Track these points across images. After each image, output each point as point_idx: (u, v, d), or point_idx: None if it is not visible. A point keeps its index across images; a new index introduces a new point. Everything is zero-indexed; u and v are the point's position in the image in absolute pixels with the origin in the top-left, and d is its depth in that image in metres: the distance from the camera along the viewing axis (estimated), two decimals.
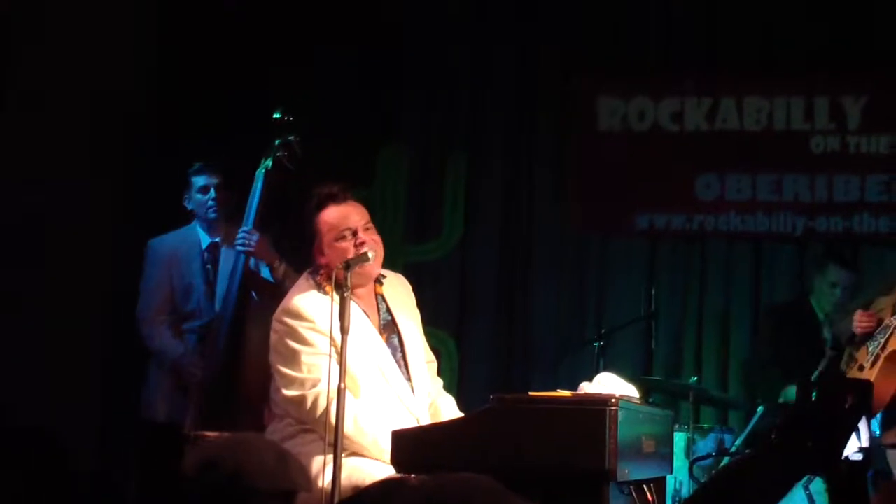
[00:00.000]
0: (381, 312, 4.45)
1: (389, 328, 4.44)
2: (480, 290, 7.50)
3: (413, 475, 3.62)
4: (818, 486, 5.62)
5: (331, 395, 4.03)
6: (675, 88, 7.40)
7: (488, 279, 7.49)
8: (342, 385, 3.98)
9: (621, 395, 3.94)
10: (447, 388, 4.76)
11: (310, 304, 4.28)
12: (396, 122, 7.67)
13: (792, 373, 6.45)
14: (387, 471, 4.02)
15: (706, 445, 6.31)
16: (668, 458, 4.49)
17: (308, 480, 3.06)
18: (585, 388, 4.17)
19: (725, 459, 6.15)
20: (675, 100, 7.38)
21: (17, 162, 6.12)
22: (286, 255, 5.54)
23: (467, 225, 7.55)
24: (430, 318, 4.96)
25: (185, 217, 5.91)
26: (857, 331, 5.42)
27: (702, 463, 6.17)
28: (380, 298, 4.47)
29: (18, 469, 3.17)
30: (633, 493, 4.10)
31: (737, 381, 7.17)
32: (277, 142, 5.56)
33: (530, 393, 4.09)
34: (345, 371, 4.02)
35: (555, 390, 4.06)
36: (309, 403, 4.18)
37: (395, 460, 3.96)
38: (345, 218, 4.35)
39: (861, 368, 5.33)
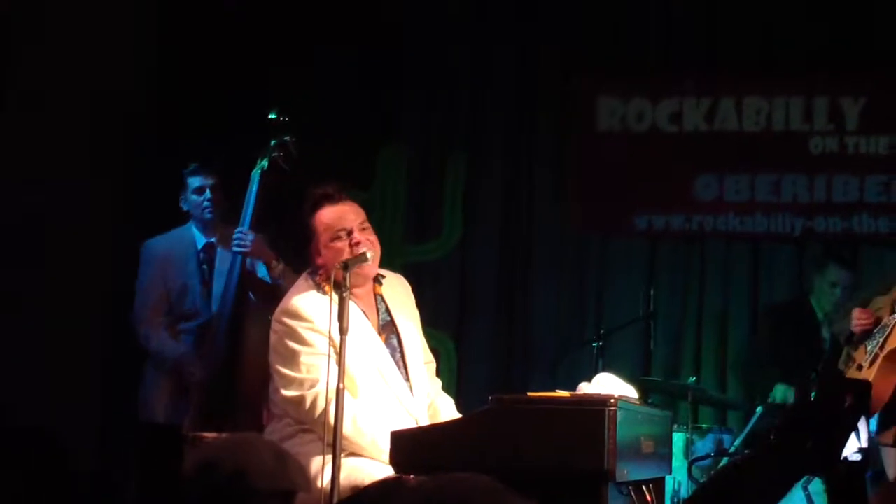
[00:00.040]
0: (380, 313, 4.45)
1: (388, 328, 4.44)
2: (480, 290, 7.50)
3: (412, 476, 3.64)
4: (817, 486, 5.62)
5: (330, 395, 4.04)
6: (674, 89, 7.40)
7: (488, 279, 7.49)
8: (341, 385, 3.98)
9: (620, 396, 3.94)
10: (446, 388, 4.76)
11: (309, 305, 4.28)
12: (396, 122, 7.68)
13: (791, 372, 6.46)
14: (386, 471, 4.03)
15: (705, 446, 6.31)
16: (666, 459, 4.50)
17: (307, 481, 3.06)
18: (584, 388, 4.17)
19: (724, 460, 6.16)
20: (673, 100, 7.39)
21: (17, 162, 6.12)
22: (284, 255, 5.54)
23: (467, 225, 7.55)
24: (430, 318, 4.96)
25: (185, 217, 5.92)
26: (856, 329, 5.42)
27: (700, 463, 6.17)
28: (379, 299, 4.47)
29: (18, 469, 3.17)
30: (632, 494, 4.10)
31: (735, 382, 7.17)
32: (273, 142, 5.57)
33: (529, 393, 4.09)
34: (343, 371, 4.03)
35: (554, 391, 4.06)
36: (308, 404, 4.18)
37: (394, 461, 3.96)
38: (340, 218, 4.35)
39: (859, 368, 5.33)
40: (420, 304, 4.67)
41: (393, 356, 4.39)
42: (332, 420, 3.96)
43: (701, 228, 7.33)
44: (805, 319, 6.69)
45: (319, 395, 4.15)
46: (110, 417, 6.57)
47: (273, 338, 4.34)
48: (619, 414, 3.78)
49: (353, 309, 4.15)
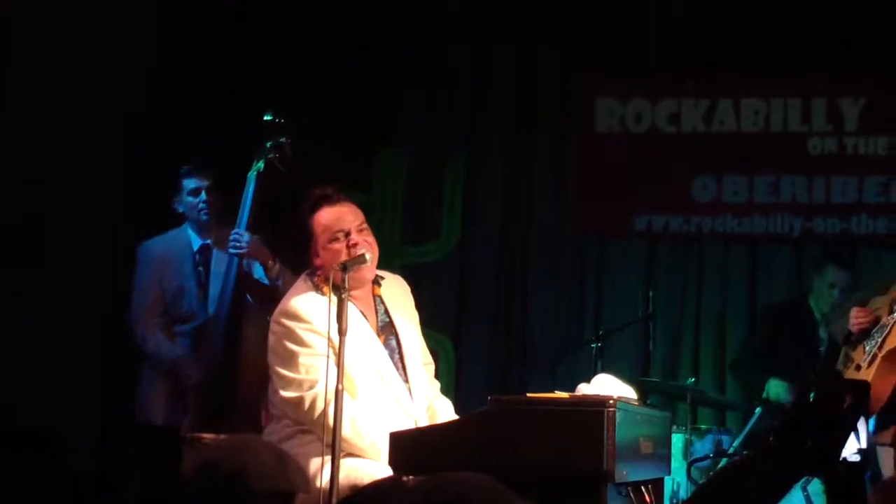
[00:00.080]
0: (379, 314, 4.46)
1: (387, 330, 4.44)
2: (479, 291, 7.50)
3: (410, 477, 3.64)
4: (816, 487, 5.62)
5: (329, 396, 4.04)
6: (674, 89, 7.40)
7: (487, 280, 7.49)
8: (340, 386, 3.99)
9: (619, 397, 3.94)
10: (445, 389, 4.77)
11: (307, 306, 4.28)
12: (396, 122, 7.67)
13: (786, 370, 6.46)
14: (385, 470, 4.03)
15: (704, 447, 6.32)
16: (665, 460, 4.50)
17: (307, 482, 3.07)
18: (583, 389, 4.18)
19: (723, 461, 6.16)
20: (672, 101, 7.39)
21: (17, 162, 6.12)
22: (281, 256, 5.55)
23: (466, 226, 7.55)
24: (429, 319, 4.96)
25: (182, 219, 5.92)
26: (854, 328, 5.42)
27: (700, 464, 6.17)
28: (378, 300, 4.47)
29: (18, 469, 3.17)
30: (631, 495, 4.10)
31: (734, 383, 7.17)
32: (269, 144, 5.58)
33: (528, 394, 4.10)
34: (342, 373, 4.03)
35: (552, 392, 4.06)
36: (307, 405, 4.19)
37: (393, 462, 3.96)
38: (339, 219, 4.35)
39: (858, 368, 5.33)
40: (419, 306, 4.67)
41: (392, 357, 4.39)
42: (331, 421, 3.96)
43: (699, 229, 7.33)
44: (804, 320, 6.68)
45: (318, 396, 4.15)
46: (110, 418, 6.57)
47: (272, 339, 4.34)
48: (617, 415, 3.78)
49: (351, 310, 4.16)
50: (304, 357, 4.23)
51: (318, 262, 4.36)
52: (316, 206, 4.37)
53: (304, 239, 4.38)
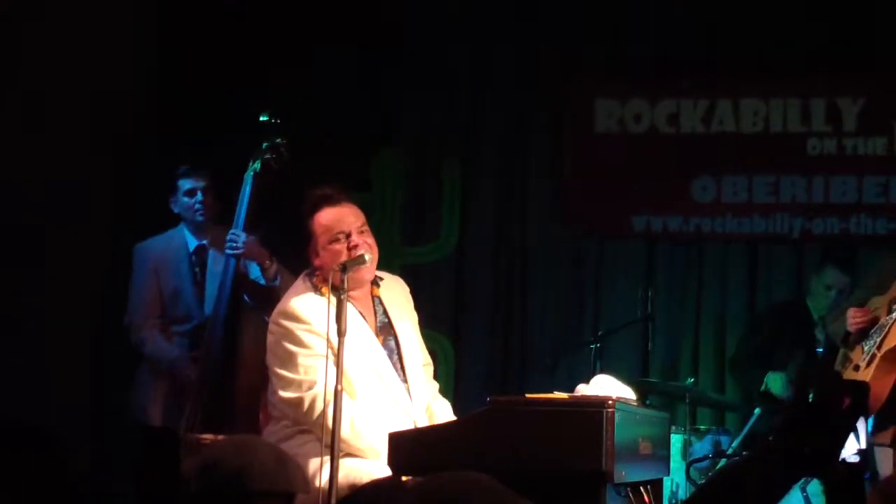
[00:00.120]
0: (378, 315, 4.46)
1: (386, 330, 4.44)
2: (478, 291, 7.50)
3: (409, 477, 3.64)
4: (815, 487, 5.63)
5: (328, 396, 4.04)
6: (673, 90, 7.40)
7: (486, 281, 7.49)
8: (339, 387, 3.99)
9: (618, 397, 3.95)
10: (443, 390, 4.77)
11: (306, 306, 4.28)
12: (396, 123, 7.68)
13: (788, 371, 6.46)
14: (384, 470, 4.03)
15: (703, 447, 6.32)
16: (664, 460, 4.51)
17: (307, 482, 3.07)
18: (582, 389, 4.18)
19: (722, 461, 6.16)
20: (671, 102, 7.39)
21: (17, 162, 6.12)
22: (279, 256, 5.55)
23: (464, 227, 7.55)
24: (427, 320, 4.96)
25: (178, 219, 5.93)
26: (852, 328, 5.42)
27: (699, 465, 6.18)
28: (377, 301, 4.48)
29: (18, 469, 3.17)
30: (630, 495, 4.11)
31: (734, 383, 7.17)
32: (265, 144, 5.58)
33: (527, 395, 4.10)
34: (341, 373, 4.03)
35: (551, 392, 4.06)
36: (306, 405, 4.19)
37: (392, 462, 3.96)
38: (339, 220, 4.35)
39: (856, 368, 5.33)
40: (418, 306, 4.67)
41: (391, 358, 4.39)
42: (330, 422, 3.96)
43: (699, 230, 7.33)
44: (803, 320, 6.69)
45: (317, 396, 4.15)
46: (109, 419, 6.56)
47: (270, 339, 4.34)
48: (616, 415, 3.79)
49: (350, 311, 4.16)
50: (303, 358, 4.23)
51: (317, 262, 4.36)
52: (317, 207, 4.37)
53: (304, 239, 4.38)
